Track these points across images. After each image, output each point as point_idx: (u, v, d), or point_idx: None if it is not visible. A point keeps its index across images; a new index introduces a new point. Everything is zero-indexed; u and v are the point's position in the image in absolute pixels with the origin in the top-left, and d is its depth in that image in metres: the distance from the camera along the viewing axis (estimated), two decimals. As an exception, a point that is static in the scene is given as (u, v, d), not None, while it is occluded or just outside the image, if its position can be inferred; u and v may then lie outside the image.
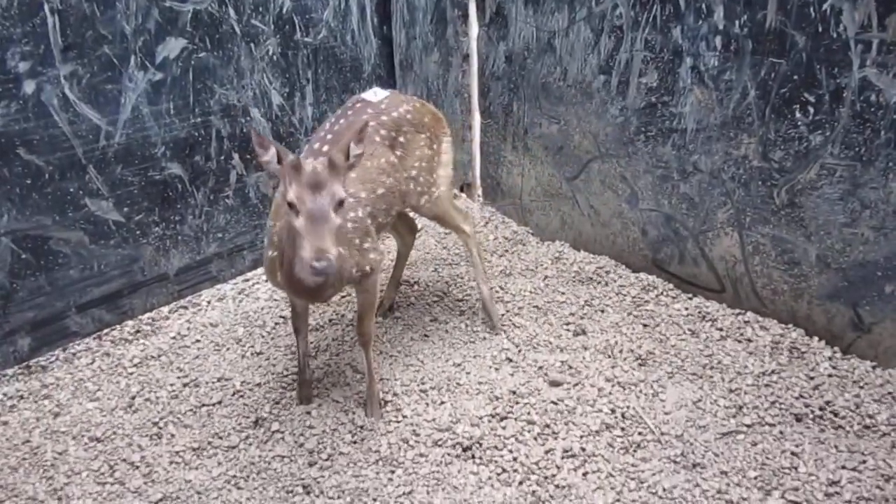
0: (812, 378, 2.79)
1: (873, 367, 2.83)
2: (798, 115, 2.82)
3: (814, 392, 2.72)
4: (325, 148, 2.56)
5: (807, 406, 2.65)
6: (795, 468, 2.40)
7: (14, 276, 2.92)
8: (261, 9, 3.45)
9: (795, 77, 2.79)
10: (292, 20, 3.61)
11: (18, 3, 2.69)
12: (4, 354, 2.98)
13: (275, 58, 3.59)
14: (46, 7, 2.77)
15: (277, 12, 3.53)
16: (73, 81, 2.91)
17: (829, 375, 2.79)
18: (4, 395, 2.89)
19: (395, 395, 2.82)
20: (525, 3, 3.66)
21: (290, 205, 2.07)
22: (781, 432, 2.55)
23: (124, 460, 2.56)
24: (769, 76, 2.86)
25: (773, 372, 2.83)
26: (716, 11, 2.94)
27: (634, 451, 2.52)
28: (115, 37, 2.99)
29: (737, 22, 2.89)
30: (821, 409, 2.64)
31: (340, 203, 2.09)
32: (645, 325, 3.18)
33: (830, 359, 2.89)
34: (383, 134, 2.74)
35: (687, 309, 3.27)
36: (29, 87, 2.80)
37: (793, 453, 2.46)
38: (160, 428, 2.72)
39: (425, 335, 3.21)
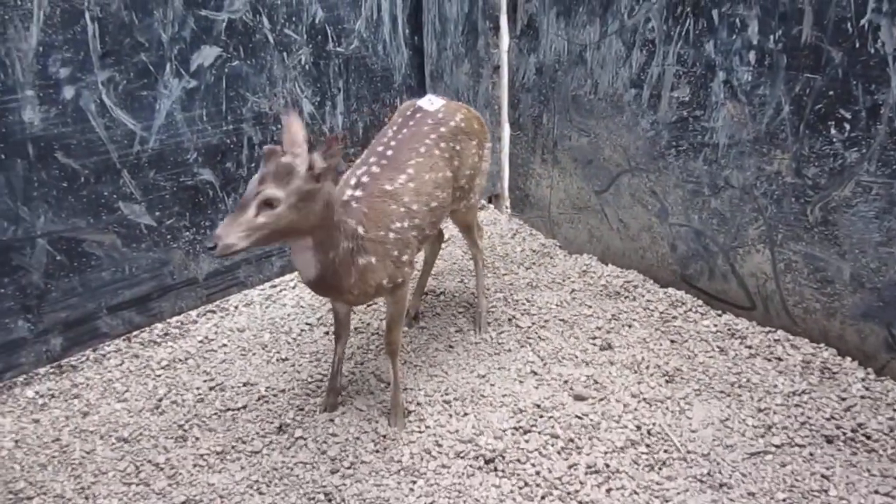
0: (844, 399, 2.73)
1: (908, 390, 2.76)
2: (833, 131, 2.78)
3: (845, 413, 2.66)
4: (389, 153, 2.62)
5: (838, 428, 2.60)
6: (826, 491, 2.35)
7: (48, 276, 2.98)
8: (294, 18, 3.50)
9: (831, 93, 2.74)
10: (325, 30, 3.65)
11: (61, 11, 2.76)
12: (37, 353, 3.04)
13: (307, 67, 3.63)
14: (87, 15, 2.83)
15: (310, 22, 3.57)
16: (110, 87, 2.97)
17: (862, 397, 2.73)
18: (36, 393, 2.94)
19: (418, 405, 2.81)
20: (557, 15, 3.66)
21: None
22: (811, 454, 2.50)
23: (150, 461, 2.59)
24: (804, 92, 2.82)
25: (803, 392, 2.77)
26: (750, 26, 2.91)
27: (660, 468, 2.49)
28: (152, 44, 3.04)
29: (771, 37, 2.86)
30: (853, 431, 2.58)
31: (267, 203, 2.08)
32: (672, 341, 3.15)
33: (863, 380, 2.82)
34: (443, 147, 2.74)
35: (716, 326, 3.23)
36: (68, 92, 2.86)
37: (823, 476, 2.40)
38: (185, 431, 2.74)
39: (450, 346, 3.20)
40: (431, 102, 2.89)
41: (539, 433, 2.64)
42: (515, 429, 2.66)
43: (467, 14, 4.01)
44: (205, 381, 3.01)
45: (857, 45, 2.63)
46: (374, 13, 3.83)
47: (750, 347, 3.07)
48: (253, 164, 3.53)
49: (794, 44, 2.80)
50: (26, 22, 2.69)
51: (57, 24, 2.77)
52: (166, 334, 3.34)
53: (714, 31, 3.03)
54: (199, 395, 2.93)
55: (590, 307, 3.43)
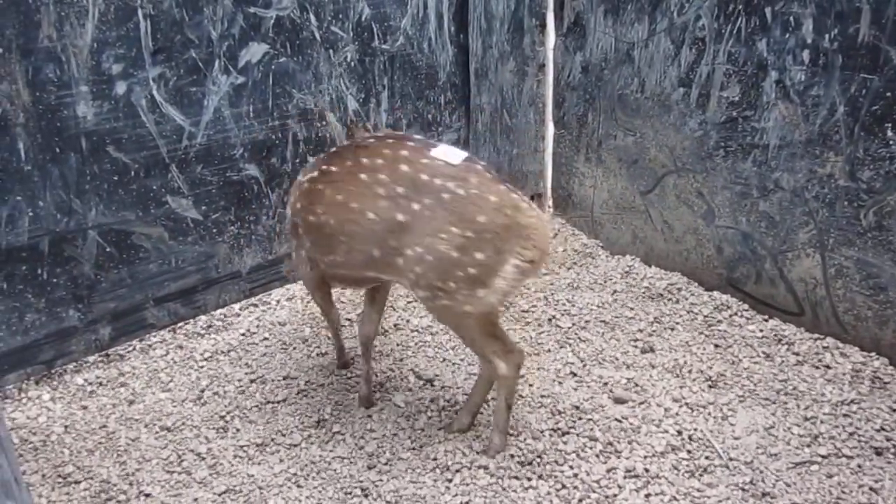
0: (895, 410, 2.63)
1: (964, 403, 2.66)
2: (890, 133, 2.68)
3: (897, 426, 2.58)
4: None
5: (888, 440, 2.51)
6: (874, 505, 2.27)
7: (99, 267, 3.06)
8: (341, 16, 3.52)
9: (888, 94, 2.65)
10: (371, 27, 3.66)
11: (115, 9, 2.83)
12: (87, 342, 3.12)
13: (352, 64, 3.65)
14: (140, 12, 2.90)
15: (357, 20, 3.59)
16: (161, 83, 3.03)
17: (915, 409, 2.64)
18: (85, 380, 3.02)
19: (456, 402, 2.81)
20: (605, 13, 3.61)
21: None
22: (860, 465, 2.43)
23: (192, 451, 2.64)
24: (860, 92, 2.73)
25: (852, 401, 2.69)
26: (804, 24, 2.83)
27: (700, 475, 2.44)
28: (202, 41, 3.10)
29: (826, 36, 2.78)
30: (904, 444, 2.49)
31: None
32: (716, 346, 3.08)
33: (917, 391, 2.73)
34: None
35: (762, 331, 3.15)
36: (120, 88, 2.93)
37: (871, 489, 2.33)
38: (227, 422, 2.79)
39: (489, 344, 3.19)
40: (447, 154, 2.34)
41: (578, 435, 2.62)
42: (554, 430, 2.64)
43: (513, 11, 3.99)
44: (246, 373, 3.06)
45: (918, 45, 2.54)
46: (420, 10, 3.84)
47: (797, 354, 2.99)
48: (298, 160, 3.57)
49: (850, 43, 2.72)
50: (82, 19, 2.77)
51: (111, 20, 2.83)
52: (210, 326, 3.40)
53: (767, 29, 2.95)
54: (241, 387, 2.98)
55: (632, 309, 3.38)
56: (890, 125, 2.68)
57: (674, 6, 3.28)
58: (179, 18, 3.00)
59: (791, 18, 2.87)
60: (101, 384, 3.02)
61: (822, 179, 2.93)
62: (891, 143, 2.69)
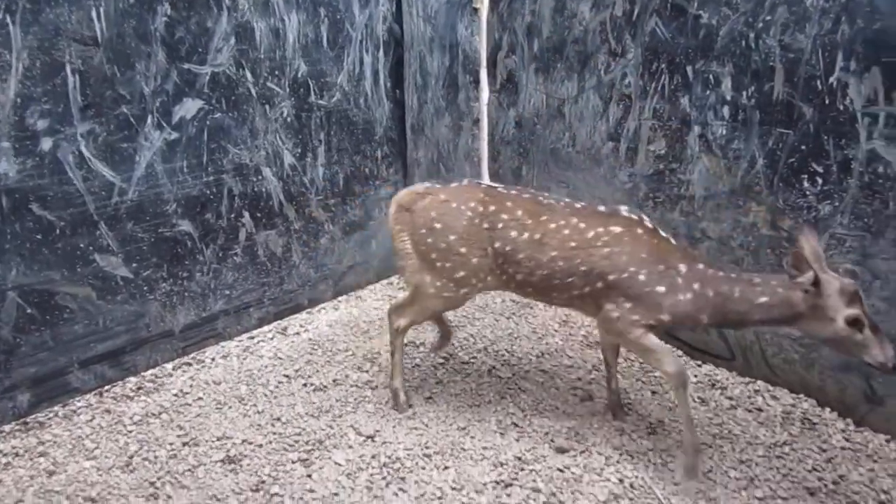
0: (825, 450, 2.72)
1: (887, 441, 2.76)
2: (806, 184, 2.83)
3: (827, 465, 2.65)
4: None
5: (820, 479, 2.58)
6: (810, 546, 2.32)
7: (18, 330, 2.92)
8: (277, 72, 3.54)
9: (803, 147, 2.81)
10: (307, 83, 3.69)
11: (41, 63, 2.77)
12: (3, 410, 2.95)
13: (289, 119, 3.66)
14: (68, 68, 2.84)
15: (293, 76, 3.61)
16: (90, 139, 2.96)
17: (843, 448, 2.73)
18: (0, 451, 2.84)
19: (397, 458, 2.76)
20: (536, 70, 3.73)
21: (856, 320, 2.23)
22: (795, 507, 2.48)
23: (119, 522, 2.50)
24: (777, 146, 2.88)
25: (784, 443, 2.76)
26: (723, 82, 2.99)
27: (643, 524, 2.44)
28: (135, 97, 3.06)
29: (744, 93, 2.94)
30: (834, 482, 2.56)
31: None
32: (654, 392, 3.13)
33: (843, 431, 2.82)
34: None
35: (696, 376, 3.22)
36: (46, 144, 2.85)
37: (807, 530, 2.38)
38: (157, 489, 2.66)
39: (430, 398, 3.16)
40: None
41: (521, 487, 2.59)
42: (497, 482, 2.61)
43: (448, 68, 4.09)
44: (178, 436, 2.94)
45: (827, 102, 2.71)
46: (357, 67, 3.89)
47: (731, 398, 3.06)
48: (233, 215, 3.52)
49: (766, 99, 2.88)
50: (4, 73, 2.70)
51: (36, 75, 2.77)
52: (140, 388, 3.26)
53: (689, 86, 3.11)
54: (173, 450, 2.86)
55: (570, 357, 3.42)
56: (806, 176, 2.83)
57: (601, 64, 3.42)
58: (110, 74, 2.96)
59: (711, 76, 3.03)
60: (17, 455, 2.84)
61: (745, 228, 3.06)
62: (808, 193, 2.83)
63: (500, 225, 2.67)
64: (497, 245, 2.67)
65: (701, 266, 2.49)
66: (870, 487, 2.53)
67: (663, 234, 2.59)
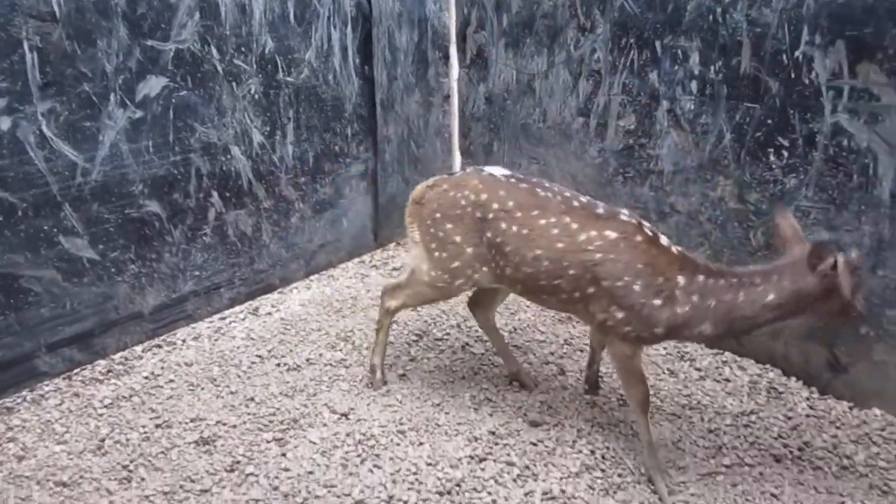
0: (790, 418, 2.79)
1: (850, 408, 2.85)
2: (773, 158, 2.87)
3: (792, 432, 2.73)
4: None
5: (785, 446, 2.65)
6: (776, 510, 2.39)
7: (-17, 314, 2.86)
8: (244, 49, 3.48)
9: (770, 121, 2.85)
10: (275, 60, 3.63)
11: (-3, 40, 2.69)
12: (-30, 395, 2.90)
13: (256, 97, 3.60)
14: (26, 44, 2.76)
15: (260, 52, 3.55)
16: (51, 118, 2.89)
17: (807, 416, 2.81)
18: (-31, 437, 2.80)
19: (372, 435, 2.77)
20: (505, 46, 3.72)
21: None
22: (761, 473, 2.55)
23: (92, 505, 2.48)
24: (744, 120, 2.92)
25: (751, 412, 2.83)
26: (691, 57, 3.01)
27: (615, 492, 2.49)
28: (96, 74, 2.98)
29: (712, 67, 2.96)
30: (799, 449, 2.64)
31: None
32: (624, 366, 3.18)
33: (808, 399, 2.90)
34: None
35: (665, 349, 3.28)
36: (4, 123, 2.77)
37: (772, 495, 2.45)
38: (130, 471, 2.64)
39: (403, 375, 3.17)
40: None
41: (495, 461, 2.63)
42: (471, 457, 2.64)
43: (417, 44, 4.05)
44: (151, 418, 2.92)
45: (793, 76, 2.74)
46: (325, 43, 3.84)
47: (699, 370, 3.12)
48: (202, 195, 3.47)
49: (733, 74, 2.91)
50: (-39, 51, 2.62)
51: (-6, 53, 2.69)
52: (109, 371, 3.23)
53: (657, 61, 3.12)
54: (145, 433, 2.83)
55: (542, 332, 3.45)
56: (772, 150, 2.87)
57: (570, 40, 3.42)
58: (70, 51, 2.89)
59: (679, 51, 3.04)
60: (-13, 440, 2.81)
61: (713, 202, 3.10)
62: (774, 167, 2.87)
63: (490, 215, 2.59)
64: (489, 235, 2.60)
65: (701, 277, 2.35)
66: (833, 453, 2.61)
67: (663, 241, 2.45)
